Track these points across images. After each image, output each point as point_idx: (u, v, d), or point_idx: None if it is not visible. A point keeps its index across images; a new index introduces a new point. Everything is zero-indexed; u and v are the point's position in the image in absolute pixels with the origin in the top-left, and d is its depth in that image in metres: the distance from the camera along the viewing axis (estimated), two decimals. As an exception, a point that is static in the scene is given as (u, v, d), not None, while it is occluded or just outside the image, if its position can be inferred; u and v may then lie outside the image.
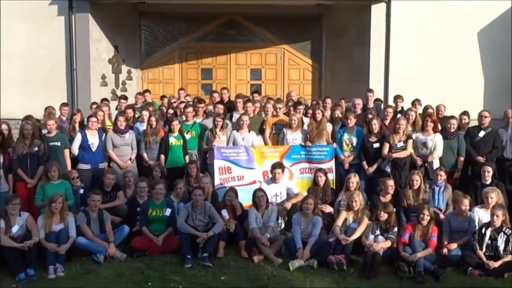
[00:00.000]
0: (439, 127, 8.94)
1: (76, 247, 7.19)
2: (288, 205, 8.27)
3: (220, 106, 9.86)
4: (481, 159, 8.72)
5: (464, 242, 7.23)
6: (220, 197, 8.34)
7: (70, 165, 8.75)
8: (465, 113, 9.56)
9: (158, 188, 7.79)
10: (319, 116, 9.12)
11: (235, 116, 9.78)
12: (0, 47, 12.72)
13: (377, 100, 11.17)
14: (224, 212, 7.86)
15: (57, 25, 12.72)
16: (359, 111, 9.92)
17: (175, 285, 6.51)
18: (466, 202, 7.38)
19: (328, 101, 10.41)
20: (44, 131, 8.89)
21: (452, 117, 9.07)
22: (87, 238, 7.30)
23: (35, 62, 12.84)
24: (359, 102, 10.11)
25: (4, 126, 8.58)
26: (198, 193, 7.62)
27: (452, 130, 8.83)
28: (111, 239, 7.38)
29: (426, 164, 8.59)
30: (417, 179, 7.86)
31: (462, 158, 8.80)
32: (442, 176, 8.09)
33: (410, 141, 8.65)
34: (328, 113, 9.87)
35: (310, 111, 9.82)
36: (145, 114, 9.63)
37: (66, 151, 8.74)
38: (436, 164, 8.60)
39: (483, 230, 7.00)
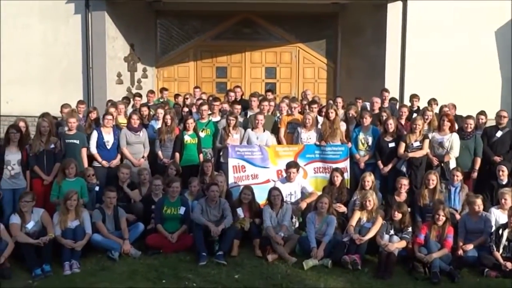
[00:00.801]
0: (456, 127, 8.86)
1: (92, 244, 7.24)
2: (303, 205, 8.23)
3: (238, 106, 9.85)
4: (497, 158, 8.63)
5: (480, 242, 7.16)
6: (234, 195, 8.34)
7: (87, 163, 8.80)
8: (482, 112, 9.48)
9: (174, 186, 7.81)
10: (332, 115, 9.07)
11: (249, 114, 9.77)
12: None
13: (392, 99, 11.09)
14: (239, 211, 7.85)
15: (73, 24, 12.85)
16: (376, 110, 9.86)
17: (189, 282, 6.53)
18: (478, 202, 7.30)
19: (339, 100, 10.37)
20: (65, 129, 8.96)
21: (469, 116, 8.97)
22: (102, 235, 7.35)
23: (51, 60, 13.01)
24: (377, 101, 10.07)
25: (22, 123, 8.70)
26: (214, 189, 7.67)
27: (469, 130, 8.75)
28: (126, 236, 7.42)
29: (442, 164, 8.52)
30: (433, 179, 7.80)
31: (479, 159, 8.71)
32: (459, 176, 8.03)
33: (427, 141, 8.57)
34: (341, 112, 9.82)
35: (324, 110, 9.79)
36: (160, 112, 9.64)
37: (84, 150, 8.79)
38: (452, 164, 8.52)
39: (500, 231, 6.93)
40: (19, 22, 13.01)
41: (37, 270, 6.62)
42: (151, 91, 11.98)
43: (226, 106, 10.15)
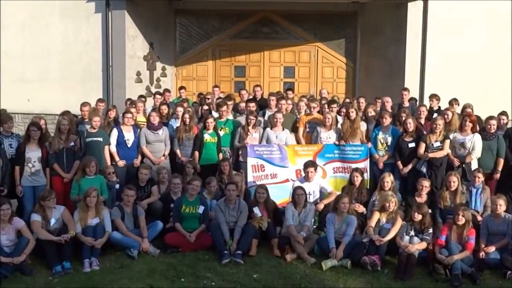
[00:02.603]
0: (478, 127, 8.74)
1: (111, 242, 7.28)
2: (321, 206, 8.20)
3: (252, 104, 9.84)
4: None
5: (502, 245, 7.05)
6: (252, 195, 8.32)
7: (110, 161, 8.85)
8: (503, 113, 9.35)
9: (195, 184, 7.82)
10: (353, 115, 9.02)
11: (268, 113, 9.75)
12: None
13: (411, 99, 11.00)
14: (256, 210, 7.82)
15: (94, 22, 12.98)
16: (389, 109, 9.78)
17: (207, 281, 6.53)
18: (500, 202, 7.19)
19: (362, 100, 10.30)
20: (86, 127, 9.02)
21: (492, 117, 8.83)
22: (122, 233, 7.38)
23: (72, 58, 13.18)
24: (388, 100, 10.01)
25: (42, 122, 8.77)
26: (231, 188, 7.66)
27: (492, 131, 8.62)
28: (145, 234, 7.44)
29: (463, 165, 8.41)
30: (454, 181, 7.70)
31: (501, 159, 8.57)
32: (480, 178, 7.92)
33: (447, 141, 8.47)
34: (361, 112, 9.76)
35: (344, 110, 9.74)
36: (180, 110, 9.64)
37: (107, 148, 8.84)
38: (474, 165, 8.40)
39: (523, 234, 6.83)
40: (41, 21, 13.20)
41: (58, 267, 6.67)
42: (167, 90, 12.02)
43: (243, 105, 10.13)
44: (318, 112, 9.68)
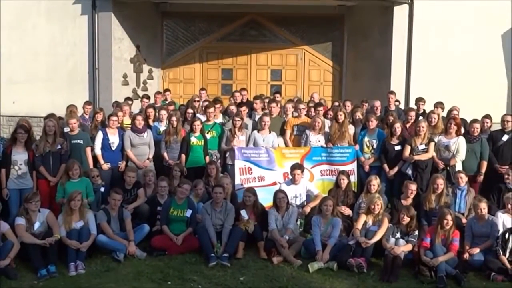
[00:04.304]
0: (462, 130, 8.84)
1: (97, 245, 7.24)
2: (307, 209, 8.23)
3: (243, 108, 9.85)
4: (498, 167, 8.62)
5: (486, 246, 7.13)
6: (240, 198, 8.33)
7: (92, 163, 8.82)
8: (487, 116, 9.48)
9: (184, 188, 7.80)
10: (341, 117, 9.07)
11: (256, 116, 9.77)
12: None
13: (396, 101, 11.09)
14: (243, 213, 7.82)
15: (80, 24, 12.89)
16: (378, 113, 9.86)
17: (194, 284, 6.53)
18: (482, 206, 7.26)
19: (348, 103, 10.36)
20: (67, 129, 8.98)
21: (475, 120, 8.95)
22: (108, 236, 7.35)
23: (58, 60, 13.08)
24: (378, 104, 10.06)
25: (25, 124, 8.71)
26: (218, 191, 7.67)
27: (475, 134, 8.71)
28: (131, 237, 7.41)
29: (448, 168, 8.49)
30: (440, 183, 7.76)
31: (485, 162, 8.68)
32: (463, 178, 7.99)
33: (432, 144, 8.56)
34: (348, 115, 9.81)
35: (331, 113, 9.78)
36: (163, 113, 9.67)
37: (88, 149, 8.82)
38: (458, 168, 8.49)
39: (506, 235, 6.89)
40: (27, 22, 13.08)
41: (43, 271, 6.61)
42: (158, 92, 12.01)
43: (233, 108, 10.14)
44: (306, 115, 9.70)
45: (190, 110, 10.37)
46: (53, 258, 6.78)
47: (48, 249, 6.79)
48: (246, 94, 11.26)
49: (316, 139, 9.15)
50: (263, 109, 10.19)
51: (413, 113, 9.59)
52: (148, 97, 11.45)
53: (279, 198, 7.73)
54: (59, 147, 8.28)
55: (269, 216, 7.69)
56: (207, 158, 9.12)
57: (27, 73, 13.10)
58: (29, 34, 13.06)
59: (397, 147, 8.72)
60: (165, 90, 12.34)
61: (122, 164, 8.95)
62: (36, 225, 7.09)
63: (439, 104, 10.16)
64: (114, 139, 8.95)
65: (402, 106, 11.46)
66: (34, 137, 8.87)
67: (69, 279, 6.60)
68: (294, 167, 8.41)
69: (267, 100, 10.29)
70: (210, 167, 8.67)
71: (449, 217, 6.98)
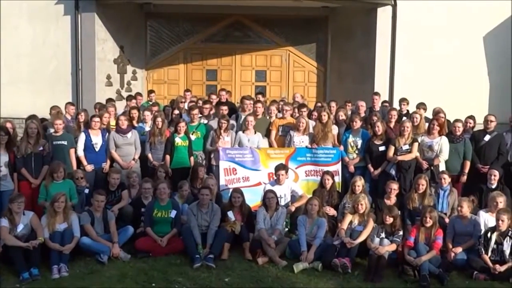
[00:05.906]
0: (446, 131, 8.91)
1: (80, 247, 7.18)
2: (292, 208, 8.25)
3: (224, 108, 9.85)
4: (480, 167, 8.71)
5: (469, 246, 7.20)
6: (225, 198, 8.32)
7: (76, 164, 8.75)
8: (470, 117, 9.57)
9: (161, 187, 7.78)
10: (325, 118, 9.11)
11: (242, 117, 9.77)
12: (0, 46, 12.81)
13: (384, 102, 11.18)
14: (230, 214, 7.81)
15: (63, 25, 12.78)
16: (362, 113, 9.91)
17: (178, 286, 6.50)
18: (465, 205, 7.34)
19: (333, 104, 10.40)
20: (51, 130, 8.89)
21: (458, 120, 9.02)
22: (91, 238, 7.29)
23: (40, 61, 12.94)
24: (362, 104, 10.12)
25: (9, 125, 8.64)
26: (205, 192, 7.66)
27: (458, 134, 8.79)
28: (115, 239, 7.37)
29: (432, 168, 8.56)
30: (423, 183, 7.83)
31: (468, 162, 8.76)
32: (446, 179, 8.07)
33: (416, 144, 8.62)
34: (332, 115, 9.85)
35: (315, 114, 9.81)
36: (147, 114, 9.65)
37: (72, 151, 8.74)
38: (442, 168, 8.56)
39: (488, 234, 6.96)
40: (8, 23, 12.91)
41: (25, 274, 6.54)
42: (139, 94, 11.94)
43: (207, 107, 10.11)
44: (291, 115, 9.72)
45: (176, 111, 10.34)
46: (36, 261, 6.71)
47: (31, 252, 6.72)
48: (225, 95, 11.26)
49: (300, 140, 9.17)
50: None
51: (394, 113, 9.63)
52: (135, 98, 11.37)
53: (269, 198, 7.73)
54: (41, 148, 8.20)
55: (257, 215, 7.69)
56: (192, 159, 9.09)
57: (8, 75, 12.94)
58: (11, 35, 12.90)
59: (381, 148, 8.77)
60: (150, 91, 12.30)
61: (106, 165, 8.89)
62: (20, 227, 7.00)
63: (421, 105, 10.24)
64: (97, 140, 8.89)
65: (389, 108, 11.53)
66: (16, 140, 8.75)
67: (52, 282, 6.54)
68: (278, 168, 8.43)
69: (253, 101, 10.26)
70: (199, 170, 8.67)
71: (428, 214, 7.05)
